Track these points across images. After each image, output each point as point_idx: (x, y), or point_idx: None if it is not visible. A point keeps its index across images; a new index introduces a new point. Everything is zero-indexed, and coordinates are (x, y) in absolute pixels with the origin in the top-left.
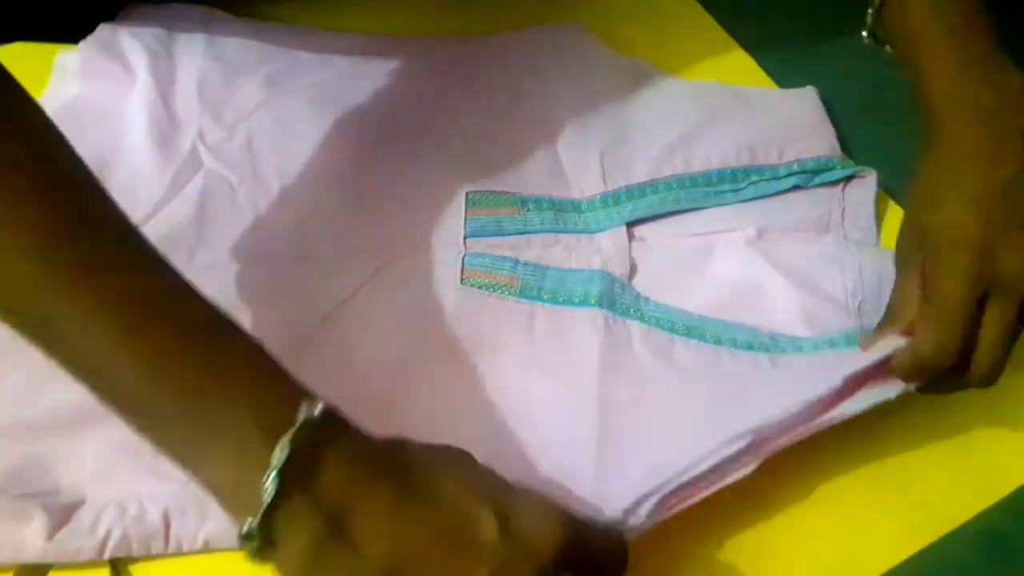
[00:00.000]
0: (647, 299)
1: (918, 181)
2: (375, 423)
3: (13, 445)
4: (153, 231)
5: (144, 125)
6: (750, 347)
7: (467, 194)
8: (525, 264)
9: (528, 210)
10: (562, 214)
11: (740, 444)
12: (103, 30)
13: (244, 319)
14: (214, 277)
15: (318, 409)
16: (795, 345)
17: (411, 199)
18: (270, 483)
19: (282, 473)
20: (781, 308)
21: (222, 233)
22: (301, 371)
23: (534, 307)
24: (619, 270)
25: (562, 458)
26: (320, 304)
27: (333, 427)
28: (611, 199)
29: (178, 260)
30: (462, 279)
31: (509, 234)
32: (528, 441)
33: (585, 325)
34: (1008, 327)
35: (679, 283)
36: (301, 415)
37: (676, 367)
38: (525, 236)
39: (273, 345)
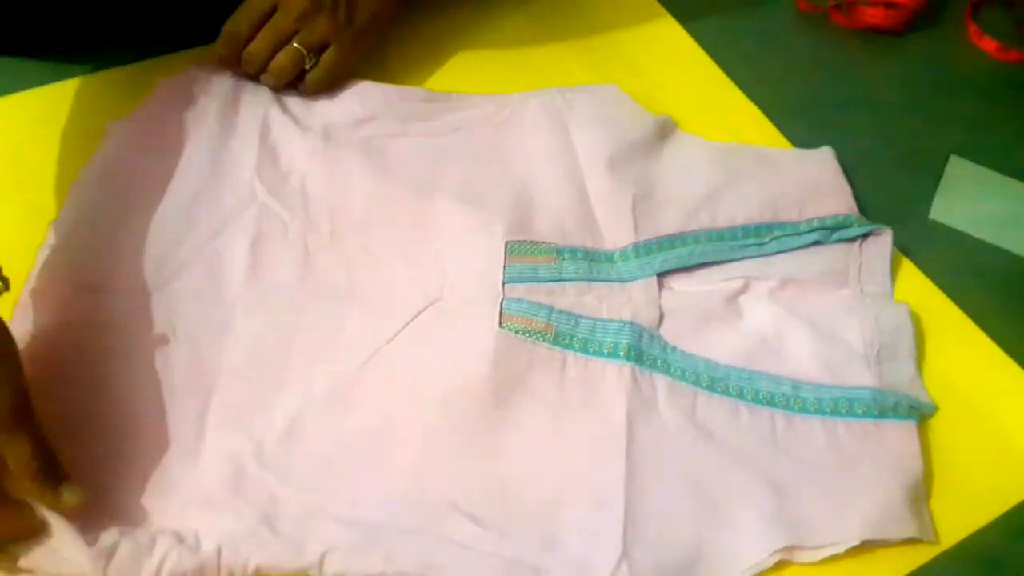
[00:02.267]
0: (674, 348)
1: None
2: (415, 460)
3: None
4: (206, 261)
5: (205, 159)
6: (770, 400)
7: (506, 243)
8: (559, 312)
9: (563, 259)
10: (595, 264)
11: (766, 564)
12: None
13: (293, 352)
14: (265, 311)
15: None
16: (816, 395)
17: (454, 246)
18: None
19: None
20: (802, 356)
21: (274, 268)
22: (346, 406)
23: (566, 355)
24: (648, 319)
25: (589, 512)
26: (365, 343)
27: None
28: (643, 249)
29: (229, 292)
30: (500, 323)
31: (544, 281)
32: (556, 490)
33: (613, 377)
34: (279, 30)
35: (706, 331)
36: None
37: (697, 426)
38: (559, 283)
39: (319, 382)
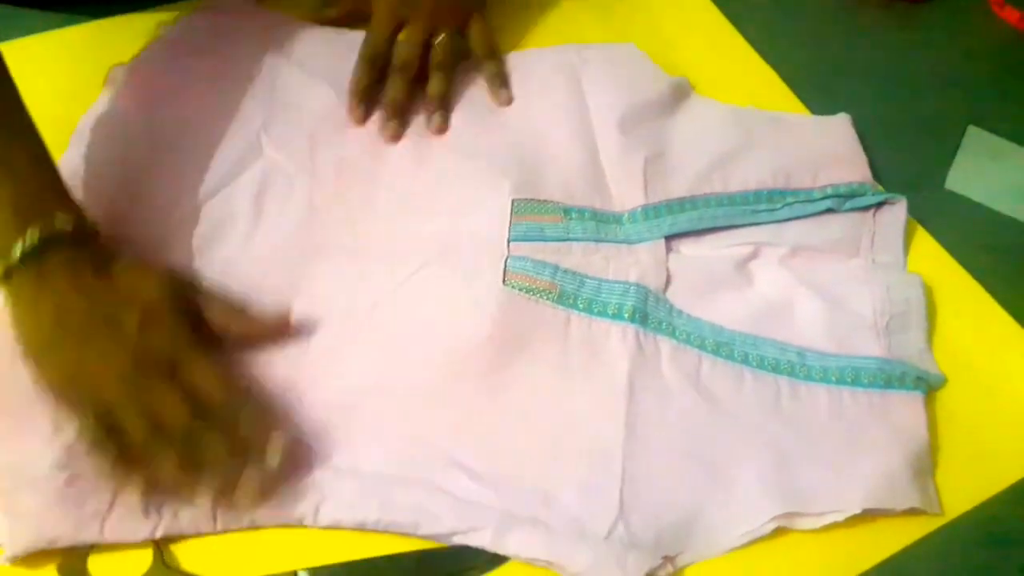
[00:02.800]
0: (680, 312)
1: None
2: (415, 414)
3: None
4: (210, 213)
5: (210, 109)
6: (776, 367)
7: (513, 201)
8: (565, 271)
9: (571, 219)
10: (603, 225)
11: (765, 530)
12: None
13: (295, 304)
14: (271, 262)
15: (71, 223)
16: (822, 363)
17: (460, 203)
18: (15, 251)
19: (24, 252)
20: (810, 324)
21: (278, 220)
22: (347, 359)
23: (570, 314)
24: (655, 282)
25: (587, 471)
26: (368, 296)
27: (77, 235)
28: (652, 212)
29: (233, 243)
30: (504, 281)
31: (550, 240)
32: (554, 448)
33: (616, 339)
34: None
35: (713, 296)
36: (56, 222)
37: (701, 390)
38: (566, 243)
39: (320, 333)
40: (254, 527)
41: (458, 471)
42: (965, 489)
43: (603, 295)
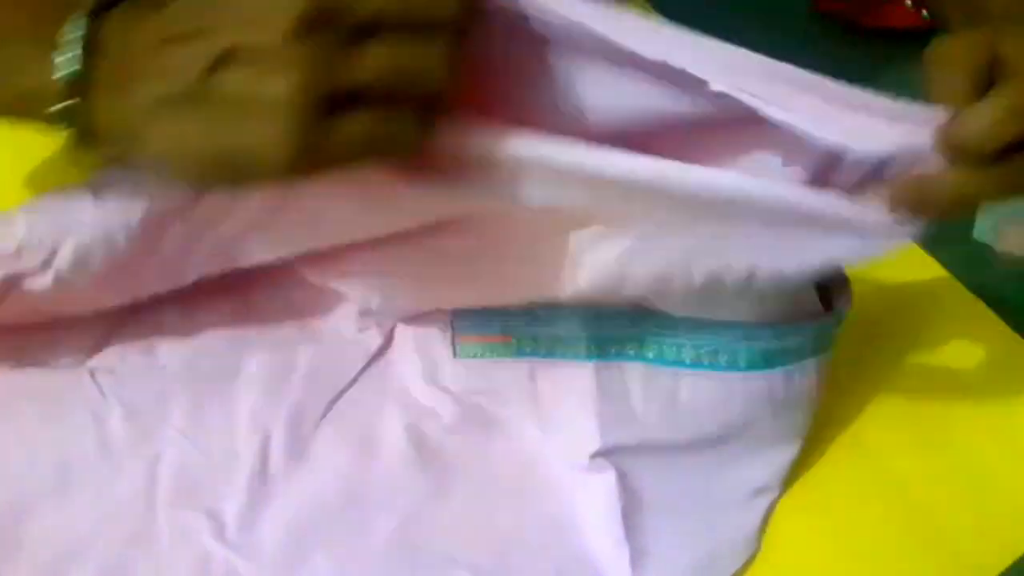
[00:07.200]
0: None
1: None
2: (399, 517)
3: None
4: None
5: None
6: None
7: None
8: (510, 313)
9: None
10: None
11: None
12: None
13: (239, 410)
14: (202, 364)
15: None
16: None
17: None
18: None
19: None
20: None
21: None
22: (310, 468)
23: (533, 364)
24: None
25: (592, 534)
26: (319, 394)
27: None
28: None
29: (160, 357)
30: (455, 351)
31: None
32: (554, 518)
33: (582, 379)
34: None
35: None
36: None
37: (677, 408)
38: None
39: (274, 442)
40: None
41: (461, 570)
42: (995, 545)
43: (555, 327)
